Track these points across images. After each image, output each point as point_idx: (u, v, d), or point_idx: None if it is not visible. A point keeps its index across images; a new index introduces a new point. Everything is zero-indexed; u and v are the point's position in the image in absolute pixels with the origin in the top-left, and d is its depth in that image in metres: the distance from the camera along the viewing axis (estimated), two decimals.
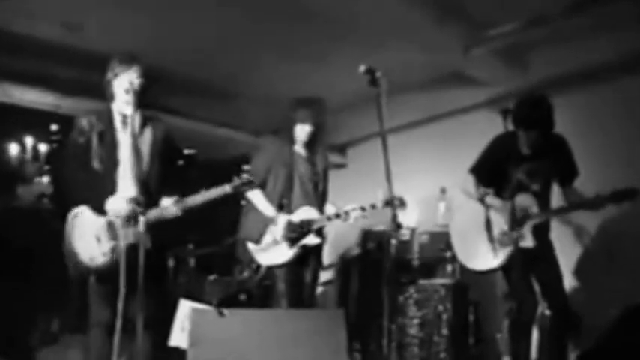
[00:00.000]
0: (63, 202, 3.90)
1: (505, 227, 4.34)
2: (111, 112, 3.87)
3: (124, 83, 3.77)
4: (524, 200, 4.32)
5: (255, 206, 4.86)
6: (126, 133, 3.81)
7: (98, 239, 3.71)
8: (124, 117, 3.82)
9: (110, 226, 3.73)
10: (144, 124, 3.91)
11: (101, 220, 3.72)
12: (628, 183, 4.12)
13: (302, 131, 4.86)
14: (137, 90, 3.76)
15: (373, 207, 4.61)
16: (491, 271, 4.46)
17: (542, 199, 4.40)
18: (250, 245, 4.81)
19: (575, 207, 4.35)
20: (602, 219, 5.24)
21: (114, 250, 3.65)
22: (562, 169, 4.43)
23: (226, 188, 3.85)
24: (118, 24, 5.20)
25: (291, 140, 4.92)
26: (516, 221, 4.22)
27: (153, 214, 3.71)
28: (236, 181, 3.86)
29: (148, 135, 3.92)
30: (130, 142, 3.77)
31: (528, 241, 4.26)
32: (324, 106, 4.91)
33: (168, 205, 3.80)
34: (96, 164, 3.77)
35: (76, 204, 3.80)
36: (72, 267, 3.77)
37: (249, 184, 3.92)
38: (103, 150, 3.78)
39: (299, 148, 4.95)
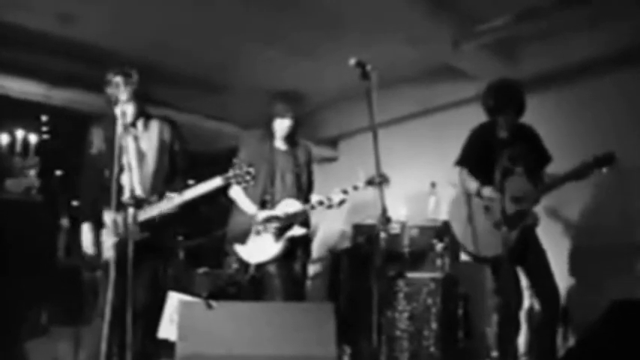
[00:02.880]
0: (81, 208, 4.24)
1: (507, 212, 4.36)
2: (115, 118, 3.94)
3: (124, 94, 3.92)
4: (515, 182, 4.39)
5: (238, 206, 4.86)
6: (130, 136, 4.01)
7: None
8: (127, 122, 3.94)
9: (114, 223, 3.96)
10: (146, 125, 4.14)
11: (108, 219, 4.05)
12: None
13: (281, 125, 4.87)
14: (138, 98, 3.99)
15: (355, 188, 4.58)
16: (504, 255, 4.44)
17: (529, 179, 4.47)
18: (237, 247, 4.81)
19: (566, 178, 4.34)
20: (590, 214, 5.27)
21: (116, 245, 3.83)
22: (536, 155, 4.55)
23: (217, 181, 3.85)
24: (108, 16, 5.20)
25: (270, 135, 4.93)
26: (516, 202, 4.36)
27: (148, 211, 3.90)
28: (230, 173, 3.83)
29: (154, 136, 4.13)
30: (134, 146, 4.03)
31: (531, 219, 4.39)
32: (301, 100, 4.92)
33: (162, 202, 3.93)
34: (107, 172, 3.95)
35: (93, 210, 4.12)
36: (82, 262, 4.12)
37: (244, 176, 3.80)
38: (112, 157, 3.90)
39: (279, 142, 4.95)
